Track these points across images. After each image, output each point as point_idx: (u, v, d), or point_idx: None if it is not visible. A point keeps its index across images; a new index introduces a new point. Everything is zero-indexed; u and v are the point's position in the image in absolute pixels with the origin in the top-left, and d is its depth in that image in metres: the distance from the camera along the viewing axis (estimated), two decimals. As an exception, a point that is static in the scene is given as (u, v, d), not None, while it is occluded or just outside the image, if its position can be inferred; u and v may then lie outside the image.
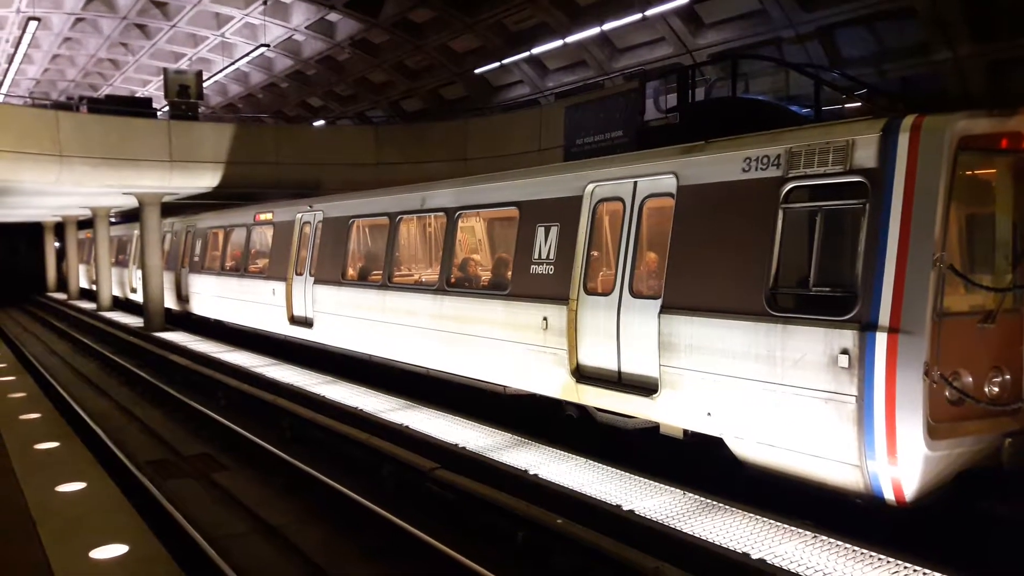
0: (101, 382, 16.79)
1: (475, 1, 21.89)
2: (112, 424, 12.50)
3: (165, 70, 24.50)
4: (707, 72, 15.05)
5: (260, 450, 10.35)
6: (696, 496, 7.14)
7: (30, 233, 44.51)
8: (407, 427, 9.93)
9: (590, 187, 9.21)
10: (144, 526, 5.34)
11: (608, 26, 19.61)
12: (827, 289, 6.66)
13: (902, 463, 5.97)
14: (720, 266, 7.51)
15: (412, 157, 22.46)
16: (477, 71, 25.01)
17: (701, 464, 7.88)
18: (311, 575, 6.91)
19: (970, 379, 6.24)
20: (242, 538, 7.71)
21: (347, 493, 8.25)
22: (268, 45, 27.01)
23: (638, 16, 18.60)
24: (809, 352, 6.53)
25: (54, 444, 7.39)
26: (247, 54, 27.70)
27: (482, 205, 11.70)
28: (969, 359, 6.23)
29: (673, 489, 7.33)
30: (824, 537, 6.12)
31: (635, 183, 8.68)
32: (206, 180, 21.32)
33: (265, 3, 24.70)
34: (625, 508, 6.81)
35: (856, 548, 5.93)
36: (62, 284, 40.42)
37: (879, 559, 5.75)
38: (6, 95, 31.90)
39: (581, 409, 9.45)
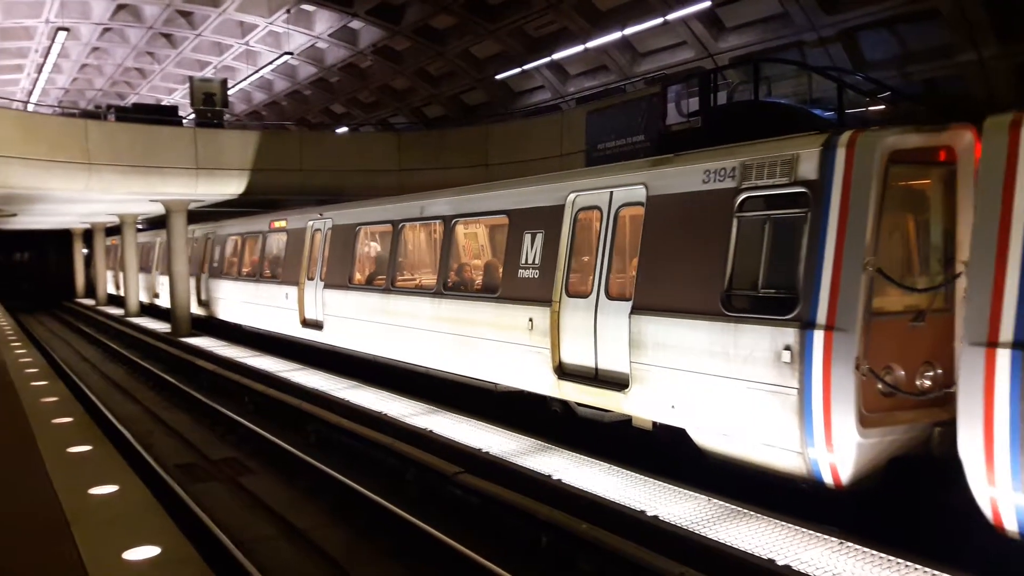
0: (129, 387, 17.04)
1: (496, 7, 21.98)
2: (141, 428, 12.69)
3: (191, 78, 24.81)
4: (729, 76, 15.03)
5: (286, 454, 10.46)
6: (721, 502, 7.12)
7: (59, 240, 45.20)
8: (431, 431, 9.99)
9: (571, 196, 9.88)
10: (175, 528, 5.41)
11: (629, 31, 19.62)
12: (773, 291, 7.24)
13: (837, 450, 6.56)
14: (682, 270, 8.13)
15: (434, 163, 22.58)
16: (498, 77, 25.10)
17: (724, 471, 7.87)
18: (337, 578, 6.98)
19: (902, 373, 6.77)
20: (269, 541, 7.81)
21: (372, 497, 8.32)
22: (292, 53, 27.29)
23: (659, 20, 18.59)
24: (757, 349, 7.14)
25: (86, 448, 7.50)
26: (271, 62, 28.02)
27: (475, 213, 12.41)
28: (902, 355, 6.74)
29: (698, 495, 7.32)
30: (851, 544, 6.09)
31: (611, 193, 9.32)
32: (232, 187, 21.56)
33: (288, 11, 24.96)
34: (649, 514, 6.81)
35: (884, 555, 5.89)
36: (90, 290, 41.00)
37: (907, 566, 5.71)
38: (36, 104, 32.42)
39: (564, 405, 10.05)
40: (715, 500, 7.17)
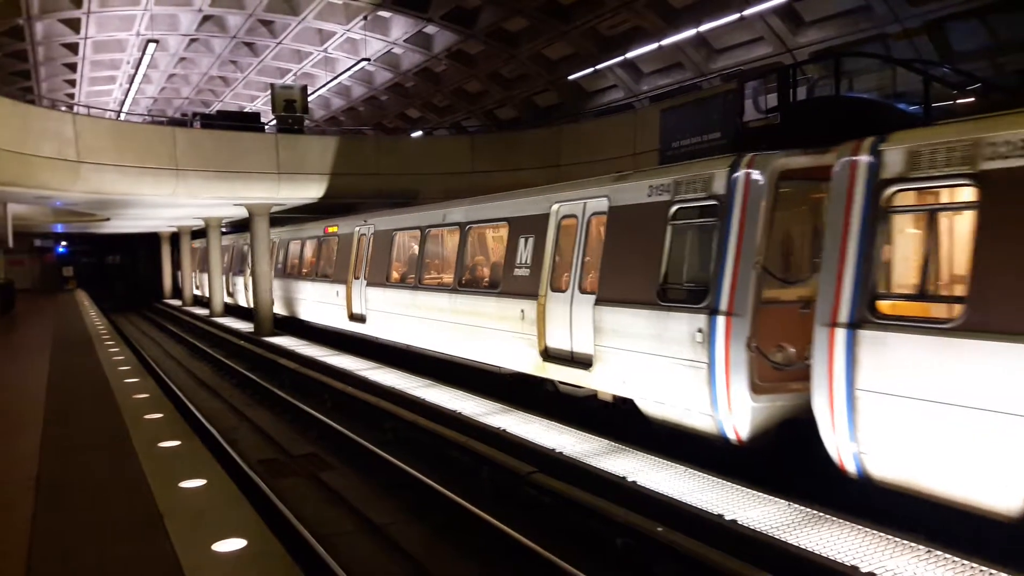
0: (215, 384, 17.64)
1: (569, 8, 21.97)
2: (226, 424, 13.14)
3: (272, 85, 25.56)
4: (809, 71, 14.64)
5: (364, 450, 10.67)
6: (801, 507, 6.96)
7: (148, 243, 47.13)
8: (504, 431, 10.05)
9: (555, 206, 11.61)
10: (261, 522, 5.59)
11: (704, 27, 19.36)
12: (692, 285, 8.92)
13: (736, 412, 8.18)
14: (631, 268, 9.82)
15: (506, 165, 22.70)
16: (571, 77, 25.08)
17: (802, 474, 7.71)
18: (415, 573, 7.09)
19: (793, 350, 8.17)
20: (348, 535, 7.99)
21: (447, 494, 8.42)
22: (368, 59, 27.83)
23: (735, 16, 18.30)
24: (680, 331, 8.75)
25: (176, 443, 7.82)
26: (349, 68, 28.62)
27: (484, 220, 14.11)
28: (791, 336, 8.12)
29: (777, 499, 7.17)
30: (939, 552, 5.88)
31: (585, 203, 11.00)
32: (312, 191, 22.12)
33: (365, 18, 25.47)
34: (728, 518, 6.71)
35: (974, 565, 5.67)
36: (177, 291, 42.60)
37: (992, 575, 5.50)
38: (128, 114, 33.90)
39: (550, 383, 11.75)
40: (795, 505, 7.01)
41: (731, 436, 8.35)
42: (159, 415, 9.22)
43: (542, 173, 21.54)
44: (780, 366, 8.12)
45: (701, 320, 8.45)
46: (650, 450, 8.93)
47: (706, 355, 8.37)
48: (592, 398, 10.91)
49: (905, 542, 6.09)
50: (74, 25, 25.82)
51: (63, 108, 29.56)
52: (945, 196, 6.83)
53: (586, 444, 9.32)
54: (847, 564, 5.70)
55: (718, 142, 10.19)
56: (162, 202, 22.94)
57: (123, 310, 41.45)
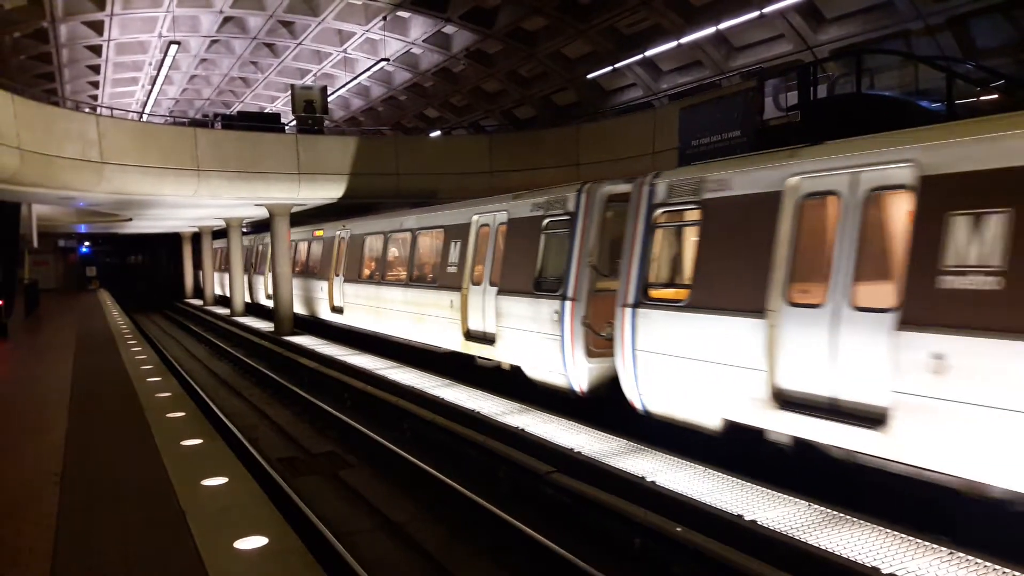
0: (236, 383, 17.80)
1: (588, 7, 21.92)
2: (246, 423, 13.25)
3: (292, 86, 25.70)
4: (829, 68, 14.53)
5: (382, 449, 10.73)
6: (821, 508, 6.92)
7: (170, 243, 47.56)
8: (523, 430, 10.06)
9: (475, 217, 14.37)
10: (282, 519, 5.64)
11: (724, 25, 19.24)
12: (554, 278, 11.70)
13: (578, 371, 11.08)
14: (519, 265, 12.54)
15: (524, 164, 22.69)
16: (589, 76, 25.03)
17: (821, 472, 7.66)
18: (433, 571, 7.12)
19: (612, 326, 10.24)
20: (367, 533, 8.04)
21: (465, 493, 8.45)
22: (388, 59, 27.90)
23: (755, 14, 18.18)
24: (546, 313, 11.57)
25: (198, 441, 7.91)
26: (368, 69, 28.70)
27: (428, 227, 16.79)
28: (613, 316, 10.14)
29: (797, 500, 7.13)
30: (961, 554, 5.82)
31: (494, 215, 13.74)
32: (332, 191, 22.24)
33: (385, 19, 25.56)
34: (747, 518, 6.68)
35: (998, 567, 5.61)
36: (198, 290, 42.95)
37: (1022, 579, 5.45)
38: (149, 115, 34.24)
39: (471, 358, 14.33)
40: (815, 505, 6.97)
41: (577, 389, 11.27)
42: (181, 414, 9.32)
43: (561, 172, 21.52)
44: (606, 338, 10.74)
45: (557, 304, 11.33)
46: (669, 450, 8.90)
47: (559, 330, 11.24)
48: (498, 368, 13.59)
49: (927, 544, 6.04)
50: (98, 27, 26.11)
51: (87, 110, 29.94)
52: (686, 216, 9.44)
53: (604, 444, 9.32)
54: (868, 565, 5.66)
55: (738, 140, 10.13)
56: (183, 202, 23.15)
57: (145, 310, 41.88)
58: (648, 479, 7.85)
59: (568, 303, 11.03)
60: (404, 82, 31.95)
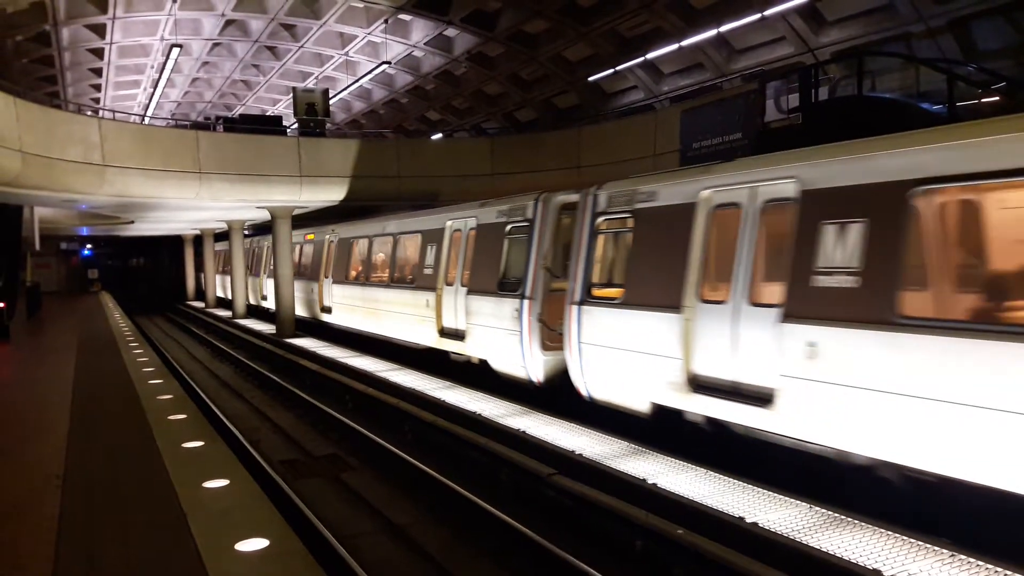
0: (237, 385, 17.81)
1: (589, 9, 21.94)
2: (248, 425, 13.26)
3: (294, 89, 25.73)
4: (831, 71, 14.53)
5: (384, 451, 10.73)
6: (823, 510, 6.91)
7: (171, 246, 47.59)
8: (524, 432, 10.06)
9: (448, 222, 15.51)
10: (283, 522, 5.64)
11: (725, 27, 19.25)
12: (515, 279, 12.76)
13: (535, 363, 12.21)
14: (486, 267, 13.67)
15: (526, 167, 22.67)
16: (591, 79, 25.04)
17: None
18: (434, 574, 7.12)
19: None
20: (369, 536, 8.04)
21: (467, 495, 8.45)
22: (389, 62, 27.94)
23: (756, 16, 18.18)
24: (508, 311, 12.64)
25: (199, 443, 7.91)
26: (370, 71, 28.75)
27: (407, 231, 17.96)
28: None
29: (799, 502, 7.12)
30: (963, 556, 5.81)
31: (465, 221, 14.88)
32: (333, 194, 22.25)
33: (386, 22, 25.59)
34: (749, 520, 6.67)
35: (999, 569, 5.60)
36: (200, 293, 42.95)
37: (1024, 581, 5.46)
38: (151, 118, 34.28)
39: (445, 353, 15.42)
40: (816, 507, 6.96)
41: (535, 380, 12.33)
42: (183, 416, 9.33)
43: (562, 175, 21.50)
44: (559, 333, 11.50)
45: (517, 303, 12.42)
46: (670, 453, 8.90)
47: (519, 326, 12.33)
48: (469, 362, 14.61)
49: (929, 546, 6.03)
50: (100, 31, 26.15)
51: (89, 112, 29.95)
52: (622, 223, 10.41)
53: (606, 446, 9.31)
54: (870, 568, 5.65)
55: (739, 143, 10.13)
56: (185, 205, 23.16)
57: (147, 312, 41.91)
58: (650, 481, 7.84)
59: (526, 302, 12.20)
60: (406, 85, 31.99)
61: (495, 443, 9.87)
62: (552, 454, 9.15)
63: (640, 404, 9.79)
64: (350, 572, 6.71)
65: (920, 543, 6.09)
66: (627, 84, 25.04)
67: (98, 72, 31.31)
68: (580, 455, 8.92)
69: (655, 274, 9.45)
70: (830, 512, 6.85)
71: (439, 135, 33.68)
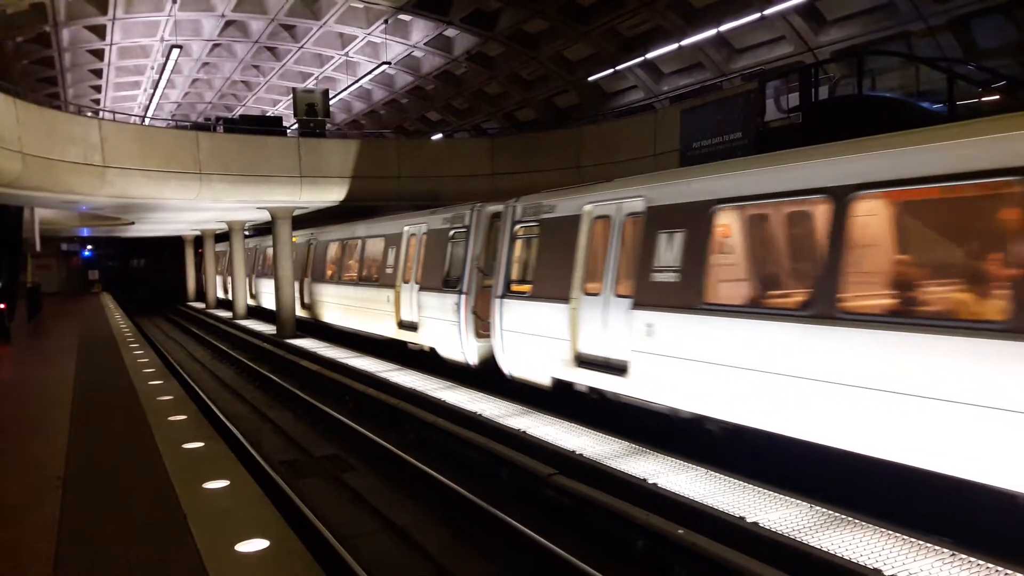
0: (238, 386, 17.80)
1: (589, 9, 21.94)
2: (249, 426, 13.25)
3: (294, 89, 25.73)
4: (830, 70, 14.53)
5: (385, 452, 10.72)
6: (823, 509, 6.91)
7: (172, 247, 47.55)
8: (525, 432, 10.06)
9: (405, 227, 17.75)
10: (284, 522, 5.64)
11: (725, 27, 19.26)
12: (456, 277, 14.74)
13: (470, 349, 14.25)
14: (433, 267, 15.78)
15: (526, 167, 22.66)
16: (591, 78, 25.04)
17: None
18: (434, 573, 7.11)
19: None
20: (370, 536, 8.03)
21: (467, 495, 8.44)
22: (389, 63, 27.94)
23: (756, 16, 18.19)
24: (450, 304, 14.67)
25: (199, 444, 7.91)
26: (370, 72, 28.76)
27: (373, 235, 20.10)
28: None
29: (799, 502, 7.12)
30: (963, 555, 5.80)
31: (419, 226, 17.01)
32: (333, 194, 22.25)
33: (386, 22, 25.59)
34: (749, 520, 6.67)
35: (999, 568, 5.59)
36: (201, 294, 42.93)
37: (1025, 580, 5.47)
38: (152, 119, 34.28)
39: (402, 343, 17.57)
40: (817, 507, 6.96)
41: (471, 364, 14.32)
42: (183, 416, 9.33)
43: (562, 174, 21.48)
44: (488, 323, 13.32)
45: (456, 298, 14.48)
46: (671, 453, 8.90)
47: (458, 317, 14.32)
48: (421, 350, 16.58)
49: (929, 545, 6.03)
50: (100, 32, 26.16)
51: (89, 113, 29.96)
52: (532, 230, 12.38)
53: (606, 446, 9.31)
54: (870, 567, 5.65)
55: (739, 142, 10.13)
56: (186, 206, 23.17)
57: (147, 313, 41.90)
58: (650, 481, 7.84)
59: (463, 296, 14.29)
60: (406, 85, 31.99)
61: (495, 443, 9.86)
62: (552, 454, 9.14)
63: (544, 379, 11.93)
64: (350, 572, 6.70)
65: (920, 543, 6.08)
66: (627, 84, 25.05)
67: (98, 73, 31.32)
68: (580, 455, 8.91)
69: (553, 272, 11.52)
70: (831, 512, 6.85)
71: (439, 135, 33.68)
